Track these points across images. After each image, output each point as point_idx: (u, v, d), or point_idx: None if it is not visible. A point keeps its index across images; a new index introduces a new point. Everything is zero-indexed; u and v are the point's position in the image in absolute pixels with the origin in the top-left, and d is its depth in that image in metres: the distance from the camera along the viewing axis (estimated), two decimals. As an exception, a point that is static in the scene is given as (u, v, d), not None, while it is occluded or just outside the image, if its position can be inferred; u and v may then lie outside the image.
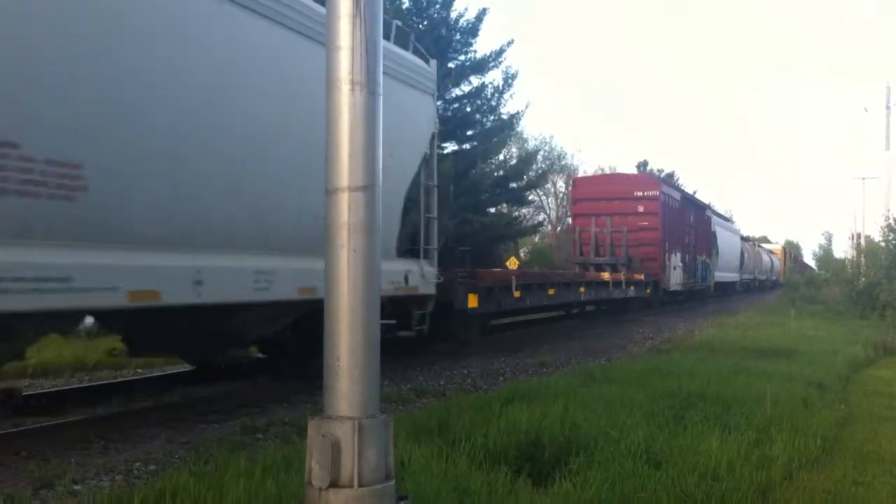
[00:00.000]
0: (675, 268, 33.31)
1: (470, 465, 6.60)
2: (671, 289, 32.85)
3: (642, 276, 28.62)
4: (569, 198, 46.02)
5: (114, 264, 7.67)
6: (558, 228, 61.89)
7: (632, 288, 27.37)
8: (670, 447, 7.41)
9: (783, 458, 7.47)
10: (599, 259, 29.91)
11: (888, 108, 47.87)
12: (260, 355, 12.48)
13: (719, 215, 51.55)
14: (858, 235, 48.75)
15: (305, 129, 9.63)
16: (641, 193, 31.35)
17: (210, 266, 8.76)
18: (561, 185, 64.01)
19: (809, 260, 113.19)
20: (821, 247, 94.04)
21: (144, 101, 8.05)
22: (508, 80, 36.60)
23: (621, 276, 26.82)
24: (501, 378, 13.23)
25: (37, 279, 6.93)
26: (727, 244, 47.85)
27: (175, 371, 10.92)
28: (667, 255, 31.96)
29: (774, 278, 73.49)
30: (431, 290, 13.47)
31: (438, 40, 31.93)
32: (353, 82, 3.81)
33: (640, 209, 30.83)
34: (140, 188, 8.06)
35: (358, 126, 3.83)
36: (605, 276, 25.94)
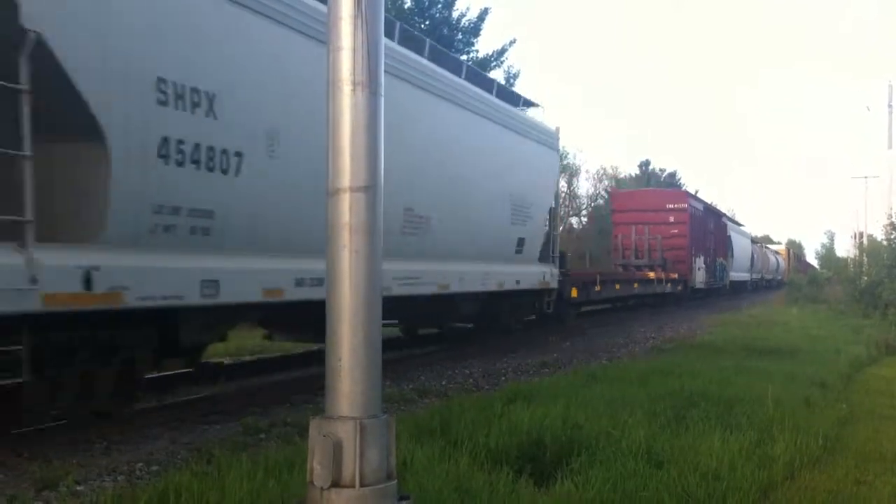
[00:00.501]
0: (699, 269, 38.29)
1: (472, 465, 6.61)
2: (696, 286, 37.75)
3: (676, 276, 33.70)
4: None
5: (432, 270, 13.43)
6: (560, 228, 61.92)
7: (668, 285, 32.62)
8: (672, 447, 7.41)
9: (785, 457, 7.47)
10: (639, 261, 34.39)
11: (890, 106, 47.85)
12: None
13: (733, 221, 56.24)
14: (861, 234, 48.76)
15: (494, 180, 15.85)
16: (672, 206, 36.55)
17: (465, 270, 14.66)
18: (563, 184, 63.98)
19: (812, 259, 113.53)
20: (823, 246, 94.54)
21: (462, 181, 14.37)
22: (510, 79, 36.64)
23: (662, 274, 31.88)
24: (503, 378, 13.24)
25: (406, 279, 12.43)
26: (740, 247, 52.41)
27: (177, 372, 10.92)
28: (693, 258, 36.83)
29: (780, 278, 75.92)
30: (556, 285, 19.36)
31: (440, 40, 31.92)
32: (354, 83, 3.81)
33: (671, 219, 35.90)
34: (450, 228, 13.91)
35: (360, 126, 3.83)
36: (651, 274, 31.24)
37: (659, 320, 27.32)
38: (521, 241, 16.99)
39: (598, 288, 23.86)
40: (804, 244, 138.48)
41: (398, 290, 12.06)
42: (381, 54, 3.92)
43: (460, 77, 14.79)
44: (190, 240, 8.43)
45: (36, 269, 6.77)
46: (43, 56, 6.77)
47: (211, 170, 8.56)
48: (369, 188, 3.84)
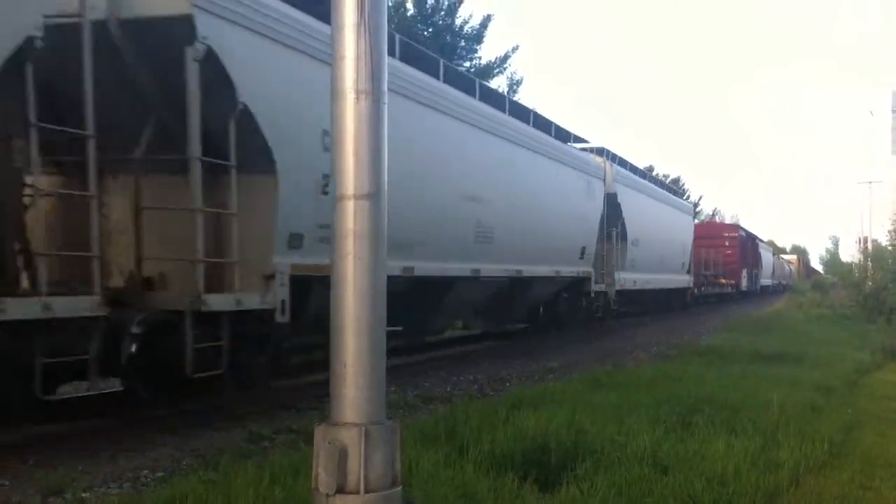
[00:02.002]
0: (744, 277, 54.04)
1: (477, 470, 6.60)
2: (742, 290, 53.72)
3: (733, 282, 50.21)
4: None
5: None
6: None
7: (729, 287, 49.58)
8: (677, 452, 7.40)
9: (790, 462, 7.45)
10: (709, 272, 45.99)
11: (894, 112, 47.79)
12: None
13: (761, 240, 69.88)
14: (865, 239, 48.72)
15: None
16: (727, 234, 52.73)
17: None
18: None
19: (816, 264, 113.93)
20: (828, 251, 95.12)
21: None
22: (513, 86, 36.67)
23: (724, 281, 48.31)
24: (508, 384, 13.22)
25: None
26: (766, 260, 68.88)
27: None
28: (741, 269, 52.62)
29: (791, 283, 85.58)
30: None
31: (443, 47, 31.98)
32: (357, 91, 3.83)
33: (727, 244, 50.93)
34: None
35: (363, 134, 3.84)
36: (723, 281, 48.25)
37: (664, 326, 27.32)
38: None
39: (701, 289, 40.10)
40: (808, 249, 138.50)
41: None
42: (385, 62, 3.93)
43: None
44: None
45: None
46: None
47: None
48: (373, 195, 3.86)
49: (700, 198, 67.52)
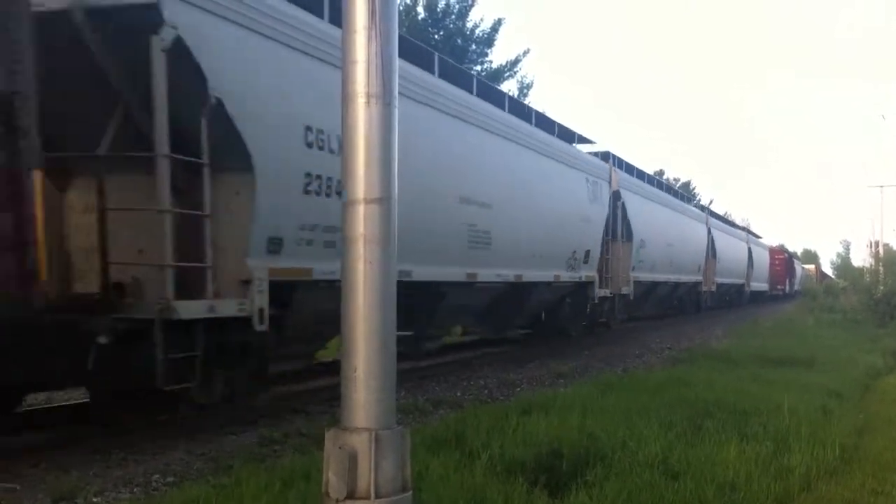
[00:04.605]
0: (789, 283, 74.10)
1: (487, 475, 6.59)
2: (787, 292, 71.92)
3: (784, 287, 70.80)
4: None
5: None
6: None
7: (780, 290, 69.81)
8: (688, 457, 7.38)
9: (801, 468, 7.43)
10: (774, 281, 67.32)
11: (905, 115, 47.56)
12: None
13: (796, 257, 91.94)
14: (876, 243, 48.56)
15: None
16: (777, 256, 70.55)
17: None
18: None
19: (827, 269, 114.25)
20: (839, 255, 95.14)
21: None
22: (524, 89, 36.66)
23: (780, 286, 69.17)
24: (518, 389, 13.21)
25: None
26: (798, 271, 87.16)
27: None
28: (786, 279, 72.77)
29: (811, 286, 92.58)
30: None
31: (454, 50, 32.00)
32: (368, 95, 3.83)
33: (777, 261, 69.32)
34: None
35: (374, 138, 3.84)
36: (779, 286, 68.66)
37: (674, 330, 27.29)
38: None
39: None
40: (819, 253, 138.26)
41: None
42: (395, 66, 3.93)
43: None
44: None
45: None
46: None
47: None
48: (383, 200, 3.86)
49: (711, 201, 68.05)
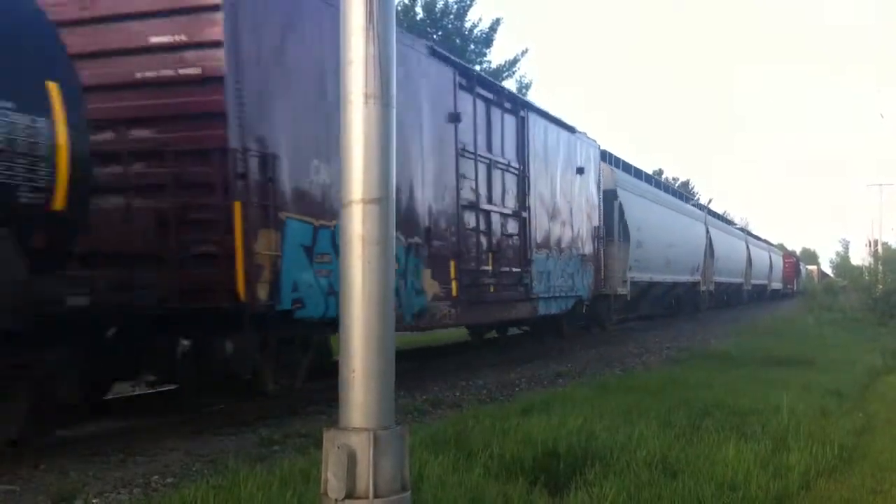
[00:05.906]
0: (797, 282, 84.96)
1: (486, 475, 6.60)
2: (796, 290, 79.53)
3: (792, 286, 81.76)
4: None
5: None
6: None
7: (788, 288, 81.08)
8: (687, 456, 7.38)
9: (800, 467, 7.42)
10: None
11: (904, 114, 47.57)
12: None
13: (800, 259, 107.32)
14: (875, 242, 48.58)
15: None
16: (788, 259, 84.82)
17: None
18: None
19: (826, 268, 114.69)
20: (838, 254, 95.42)
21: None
22: (522, 89, 36.62)
23: (790, 285, 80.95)
24: (517, 389, 13.21)
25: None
26: (803, 272, 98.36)
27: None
28: (794, 279, 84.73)
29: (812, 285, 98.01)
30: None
31: (452, 50, 31.96)
32: (366, 95, 3.83)
33: (788, 263, 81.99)
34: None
35: (372, 138, 3.84)
36: (789, 286, 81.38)
37: (673, 330, 27.30)
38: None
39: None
40: (818, 252, 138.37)
41: None
42: (393, 66, 3.93)
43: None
44: None
45: None
46: None
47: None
48: (382, 200, 3.85)
49: (710, 201, 67.47)
